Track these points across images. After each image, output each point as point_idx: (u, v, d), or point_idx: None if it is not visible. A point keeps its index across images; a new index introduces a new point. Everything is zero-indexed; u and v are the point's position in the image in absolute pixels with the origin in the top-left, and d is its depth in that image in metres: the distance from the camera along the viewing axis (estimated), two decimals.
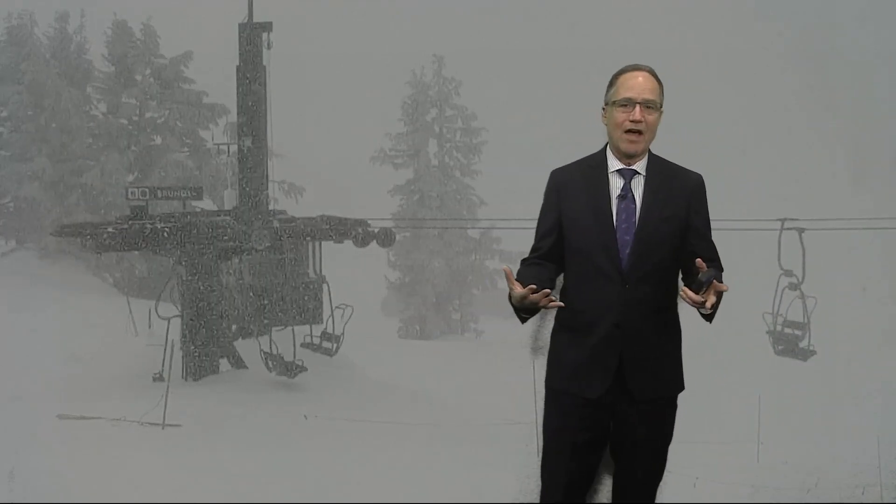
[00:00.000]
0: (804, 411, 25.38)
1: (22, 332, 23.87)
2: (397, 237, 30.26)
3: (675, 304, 3.87)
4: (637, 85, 3.85)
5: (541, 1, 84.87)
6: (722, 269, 3.83)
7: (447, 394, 25.12)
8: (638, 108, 3.82)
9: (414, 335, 43.88)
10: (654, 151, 3.96)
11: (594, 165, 3.95)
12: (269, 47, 22.91)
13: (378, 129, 47.82)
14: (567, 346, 3.91)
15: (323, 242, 24.38)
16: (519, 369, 22.19)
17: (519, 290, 3.69)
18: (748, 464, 21.70)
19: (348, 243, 24.08)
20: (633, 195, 3.86)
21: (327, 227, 23.89)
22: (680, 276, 3.91)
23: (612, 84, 3.94)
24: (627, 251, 3.79)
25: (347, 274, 31.13)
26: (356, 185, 61.19)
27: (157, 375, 21.56)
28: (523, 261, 4.00)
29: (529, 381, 20.66)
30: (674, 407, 3.96)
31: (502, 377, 26.29)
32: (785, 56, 78.43)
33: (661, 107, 3.88)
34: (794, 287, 25.12)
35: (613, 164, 3.91)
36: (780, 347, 25.66)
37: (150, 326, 24.41)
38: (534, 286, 3.66)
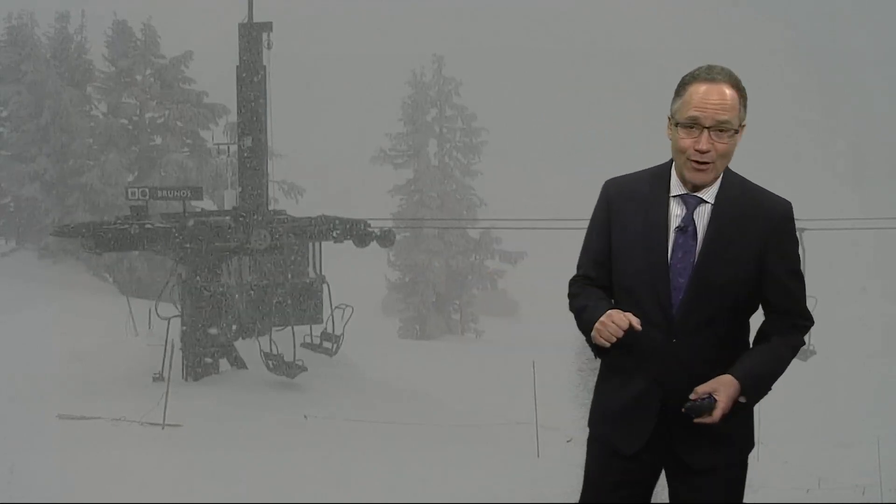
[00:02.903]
0: (804, 411, 25.35)
1: (22, 332, 23.85)
2: (397, 237, 30.26)
3: (736, 358, 3.20)
4: (708, 102, 3.02)
5: (541, 1, 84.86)
6: (811, 322, 3.21)
7: (447, 394, 25.09)
8: (706, 133, 3.02)
9: (414, 335, 43.89)
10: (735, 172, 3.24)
11: (655, 184, 3.19)
12: (269, 47, 22.88)
13: (378, 129, 47.88)
14: (608, 389, 3.33)
15: (323, 242, 24.37)
16: (519, 369, 22.23)
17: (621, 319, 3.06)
18: (748, 464, 21.65)
19: (348, 243, 24.05)
20: (694, 227, 3.11)
21: (327, 227, 23.87)
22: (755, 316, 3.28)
23: (679, 93, 3.12)
24: (681, 297, 3.09)
25: (347, 274, 31.13)
26: (356, 185, 61.29)
27: (157, 375, 21.52)
28: (574, 281, 3.35)
29: (529, 381, 20.61)
30: (744, 468, 3.36)
31: (502, 377, 26.30)
32: (785, 56, 78.44)
33: (742, 125, 3.09)
34: None
35: (676, 187, 3.15)
36: None
37: (150, 326, 24.37)
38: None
